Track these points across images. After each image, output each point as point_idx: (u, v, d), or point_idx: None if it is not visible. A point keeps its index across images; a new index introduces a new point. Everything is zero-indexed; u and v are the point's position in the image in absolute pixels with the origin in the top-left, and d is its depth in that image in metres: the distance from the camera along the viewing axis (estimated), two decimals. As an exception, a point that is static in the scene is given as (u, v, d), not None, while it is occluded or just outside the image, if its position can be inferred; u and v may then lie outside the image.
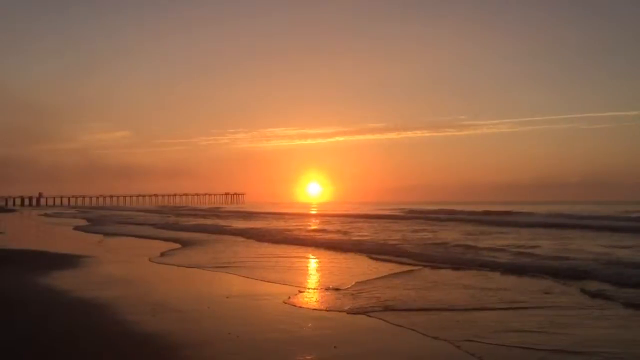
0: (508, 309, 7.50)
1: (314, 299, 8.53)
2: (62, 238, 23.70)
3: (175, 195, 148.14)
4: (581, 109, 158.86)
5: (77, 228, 29.55)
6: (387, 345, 5.88)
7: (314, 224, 30.58)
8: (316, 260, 13.93)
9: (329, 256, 14.51)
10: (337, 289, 9.10)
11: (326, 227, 27.21)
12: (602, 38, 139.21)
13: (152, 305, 7.79)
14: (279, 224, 30.41)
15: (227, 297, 8.52)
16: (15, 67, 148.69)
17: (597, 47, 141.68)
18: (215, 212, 56.60)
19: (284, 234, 21.43)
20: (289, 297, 8.40)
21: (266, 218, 40.77)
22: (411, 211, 46.52)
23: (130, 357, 5.42)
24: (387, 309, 7.45)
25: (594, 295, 8.28)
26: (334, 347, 5.68)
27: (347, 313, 7.29)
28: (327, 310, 7.54)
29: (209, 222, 33.69)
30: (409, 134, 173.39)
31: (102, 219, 41.91)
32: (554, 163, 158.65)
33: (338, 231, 23.56)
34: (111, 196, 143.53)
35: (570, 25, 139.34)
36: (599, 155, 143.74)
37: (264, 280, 10.23)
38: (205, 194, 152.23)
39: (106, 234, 24.02)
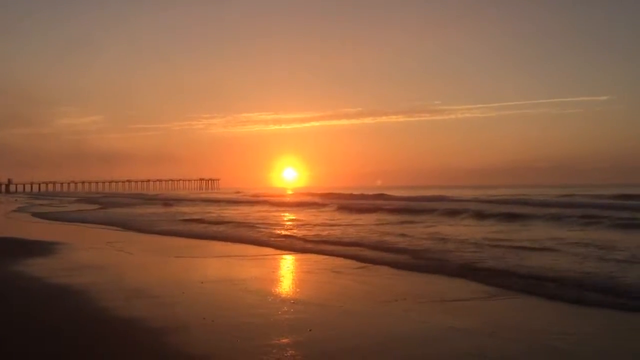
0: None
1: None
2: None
3: (149, 181, 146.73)
4: (552, 94, 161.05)
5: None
6: (361, 328, 5.97)
7: (207, 210, 30.09)
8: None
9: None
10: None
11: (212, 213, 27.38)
12: (572, 24, 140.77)
13: (127, 292, 7.78)
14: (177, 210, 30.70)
15: (201, 283, 8.56)
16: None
17: (568, 33, 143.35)
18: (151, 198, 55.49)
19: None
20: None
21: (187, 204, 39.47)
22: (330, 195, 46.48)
23: (106, 342, 5.39)
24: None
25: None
26: (309, 330, 5.76)
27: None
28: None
29: (105, 211, 32.34)
30: (384, 118, 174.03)
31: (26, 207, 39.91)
32: (526, 148, 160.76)
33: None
34: (83, 182, 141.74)
35: (542, 12, 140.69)
36: (570, 140, 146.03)
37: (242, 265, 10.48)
38: (180, 180, 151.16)
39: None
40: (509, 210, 22.91)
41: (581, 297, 7.13)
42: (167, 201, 43.34)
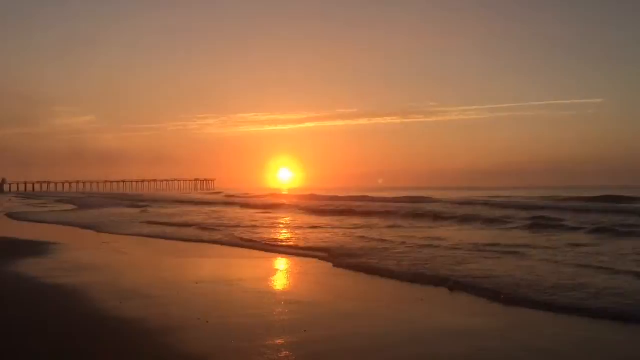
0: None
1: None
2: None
3: (143, 181, 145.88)
4: (546, 97, 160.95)
5: None
6: (355, 328, 6.00)
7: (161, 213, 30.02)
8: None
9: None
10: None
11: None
12: (566, 27, 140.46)
13: (122, 292, 7.78)
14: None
15: (196, 283, 8.51)
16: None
17: (562, 35, 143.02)
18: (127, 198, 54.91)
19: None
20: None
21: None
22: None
23: (103, 342, 5.40)
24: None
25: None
26: (304, 330, 5.78)
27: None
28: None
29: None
30: (379, 119, 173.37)
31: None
32: (520, 149, 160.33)
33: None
34: (77, 182, 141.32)
35: (536, 15, 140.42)
36: (563, 142, 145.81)
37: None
38: (175, 180, 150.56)
39: None
40: (483, 214, 22.76)
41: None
42: (143, 202, 43.51)
